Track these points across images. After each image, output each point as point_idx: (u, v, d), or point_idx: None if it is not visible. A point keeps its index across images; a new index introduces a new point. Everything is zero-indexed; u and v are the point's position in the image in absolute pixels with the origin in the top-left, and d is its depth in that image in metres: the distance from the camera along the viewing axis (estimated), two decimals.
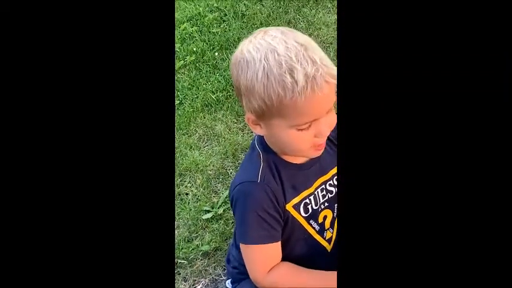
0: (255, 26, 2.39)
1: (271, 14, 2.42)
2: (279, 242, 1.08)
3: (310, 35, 2.25)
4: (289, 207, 1.08)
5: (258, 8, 2.47)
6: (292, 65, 0.89)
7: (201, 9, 2.53)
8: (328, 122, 0.97)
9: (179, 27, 2.47)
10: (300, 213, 1.10)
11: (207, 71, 2.24)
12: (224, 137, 1.95)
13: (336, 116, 1.00)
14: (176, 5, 2.60)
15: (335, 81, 0.92)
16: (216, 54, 2.29)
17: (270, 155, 1.07)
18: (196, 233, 1.69)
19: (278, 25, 2.36)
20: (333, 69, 0.92)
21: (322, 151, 1.04)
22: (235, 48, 2.32)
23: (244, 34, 2.36)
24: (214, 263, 1.60)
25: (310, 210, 1.11)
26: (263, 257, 1.08)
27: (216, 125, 2.01)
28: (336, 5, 2.40)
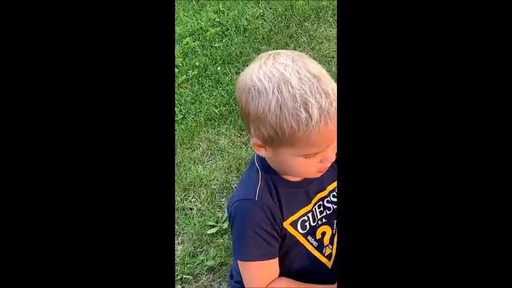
0: (257, 40, 2.40)
1: (273, 28, 2.44)
2: (276, 259, 1.09)
3: (312, 49, 2.27)
4: (286, 224, 1.09)
5: (260, 22, 2.49)
6: (307, 99, 0.89)
7: (202, 23, 2.54)
8: (334, 147, 0.98)
9: (181, 42, 2.48)
10: (298, 230, 1.10)
11: (209, 86, 2.25)
12: (228, 152, 1.96)
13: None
14: (178, 19, 2.62)
15: None
16: (219, 68, 2.30)
17: (269, 172, 1.07)
18: (201, 248, 1.69)
19: (280, 40, 2.37)
20: None
21: (320, 175, 1.04)
22: (238, 62, 2.34)
23: (246, 48, 2.37)
24: (219, 278, 1.60)
25: (308, 227, 1.11)
26: (260, 273, 1.09)
27: (219, 140, 2.01)
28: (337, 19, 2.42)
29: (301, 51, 2.28)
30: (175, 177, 1.89)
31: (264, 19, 2.51)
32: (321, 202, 1.12)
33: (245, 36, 2.44)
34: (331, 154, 0.98)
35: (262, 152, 1.01)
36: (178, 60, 2.38)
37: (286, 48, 2.33)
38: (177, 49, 2.45)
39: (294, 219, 1.09)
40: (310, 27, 2.41)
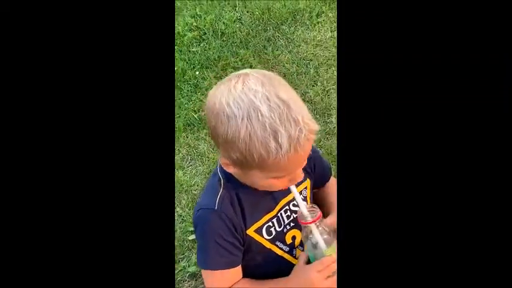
0: (235, 44, 2.40)
1: (250, 32, 2.44)
2: (239, 267, 1.09)
3: (289, 52, 2.28)
4: (250, 232, 1.09)
5: (237, 26, 2.49)
6: (277, 128, 0.88)
7: (180, 28, 2.53)
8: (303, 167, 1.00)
9: None
10: (263, 237, 1.11)
11: (188, 91, 2.24)
12: (208, 157, 1.95)
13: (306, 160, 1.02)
14: None
15: (315, 137, 0.93)
16: (197, 73, 2.30)
17: (231, 181, 1.07)
18: (183, 254, 1.68)
19: (257, 43, 2.38)
20: (314, 125, 0.92)
21: None
22: (216, 66, 2.33)
23: (224, 53, 2.37)
24: (201, 284, 1.59)
25: (274, 233, 1.12)
26: (222, 281, 1.09)
27: (199, 145, 2.01)
28: (314, 22, 2.43)
29: (279, 55, 2.29)
30: None
31: (242, 23, 2.51)
32: (287, 207, 1.13)
33: (223, 40, 2.44)
34: (299, 173, 1.00)
35: (231, 170, 1.01)
36: None
37: (264, 52, 2.34)
38: None
39: (259, 225, 1.10)
40: (287, 30, 2.42)
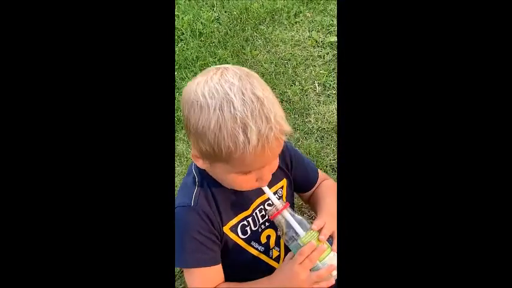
0: (213, 44, 2.40)
1: (229, 32, 2.44)
2: (219, 265, 1.09)
3: (268, 52, 2.28)
4: (226, 229, 1.10)
5: (215, 26, 2.48)
6: (247, 122, 0.88)
7: None
8: (271, 168, 1.00)
9: None
10: (238, 235, 1.11)
11: None
12: (186, 157, 1.94)
13: (278, 162, 1.02)
14: None
15: (285, 138, 0.94)
16: (175, 73, 2.28)
17: (205, 179, 1.08)
18: None
19: (236, 43, 2.37)
20: (286, 126, 0.93)
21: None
22: (194, 67, 2.32)
23: (202, 53, 2.36)
24: (180, 285, 1.58)
25: (249, 232, 1.12)
26: (203, 280, 1.08)
27: (177, 145, 1.99)
28: (292, 22, 2.43)
29: (257, 55, 2.28)
30: None
31: (220, 23, 2.50)
32: (261, 206, 1.13)
33: (201, 40, 2.43)
34: (267, 174, 1.00)
35: (200, 164, 1.02)
36: None
37: (242, 52, 2.33)
38: None
39: (233, 223, 1.10)
40: (265, 30, 2.42)
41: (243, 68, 0.98)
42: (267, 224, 1.14)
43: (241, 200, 1.10)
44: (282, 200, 1.14)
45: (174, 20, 2.53)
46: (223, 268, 1.11)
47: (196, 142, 0.96)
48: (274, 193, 1.11)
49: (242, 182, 1.01)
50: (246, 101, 0.89)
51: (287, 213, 1.05)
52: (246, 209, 1.11)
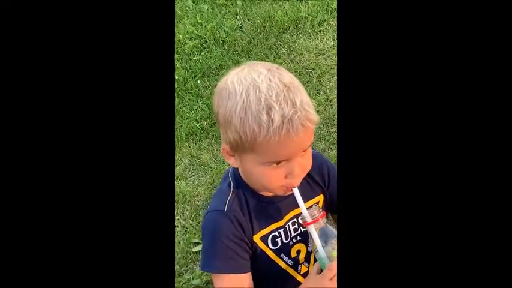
0: (236, 52, 2.39)
1: (252, 40, 2.43)
2: (249, 274, 1.07)
3: (291, 61, 2.27)
4: (256, 238, 1.08)
5: (239, 34, 2.48)
6: (271, 104, 0.88)
7: (180, 36, 2.52)
8: (301, 163, 0.97)
9: None
10: (268, 246, 1.09)
11: (189, 99, 2.23)
12: (210, 166, 1.93)
13: (310, 159, 1.00)
14: None
15: (312, 126, 0.92)
16: (199, 82, 2.28)
17: (241, 185, 1.07)
18: (187, 266, 1.66)
19: (259, 51, 2.36)
20: (312, 114, 0.92)
21: (289, 192, 1.02)
22: (218, 75, 2.31)
23: (226, 61, 2.35)
24: None
25: (280, 244, 1.10)
26: (232, 286, 1.06)
27: (201, 154, 1.99)
28: (316, 30, 2.42)
29: (281, 63, 2.27)
30: None
31: (243, 31, 2.50)
32: (295, 219, 1.11)
33: (224, 49, 2.43)
34: (297, 170, 0.96)
35: (232, 161, 1.01)
36: None
37: (265, 60, 2.33)
38: None
39: (264, 233, 1.09)
40: (289, 38, 2.41)
41: (275, 64, 0.99)
42: (298, 238, 1.12)
43: (274, 210, 1.09)
44: (318, 209, 1.12)
45: (174, 27, 2.53)
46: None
47: (225, 133, 0.96)
48: (309, 208, 1.09)
49: (271, 177, 0.98)
50: (271, 86, 0.90)
51: (321, 224, 1.03)
52: (279, 219, 1.10)
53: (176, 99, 2.23)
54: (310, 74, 2.22)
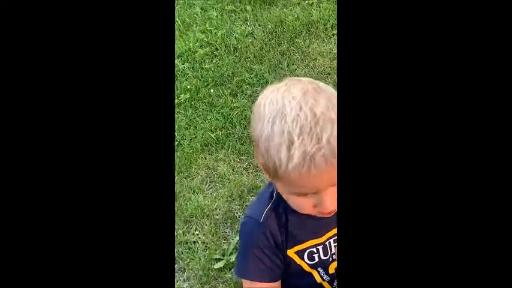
0: (249, 59, 2.34)
1: (264, 46, 2.38)
2: (275, 283, 1.07)
3: (306, 66, 2.22)
4: (291, 253, 1.05)
5: (250, 40, 2.43)
6: (293, 139, 0.82)
7: (191, 44, 2.47)
8: (332, 194, 0.91)
9: None
10: (304, 260, 1.07)
11: (203, 109, 2.17)
12: (228, 178, 1.88)
13: None
14: None
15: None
16: (212, 91, 2.23)
17: (282, 199, 1.02)
18: (209, 284, 1.60)
19: (272, 58, 2.31)
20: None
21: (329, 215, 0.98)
22: (231, 83, 2.26)
23: (238, 69, 2.30)
24: None
25: (317, 259, 1.07)
26: None
27: (218, 166, 1.93)
28: (329, 35, 2.36)
29: (295, 70, 2.22)
30: (175, 209, 1.81)
31: (254, 37, 2.45)
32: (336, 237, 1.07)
33: (236, 56, 2.37)
34: (327, 202, 0.91)
35: (267, 177, 0.97)
36: None
37: (279, 67, 2.27)
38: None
39: (300, 249, 1.05)
40: (302, 43, 2.35)
41: (320, 83, 0.92)
42: None
43: (316, 226, 1.04)
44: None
45: (174, 34, 2.48)
46: (283, 284, 1.09)
47: (256, 153, 0.93)
48: (329, 238, 1.05)
49: (300, 205, 0.95)
50: (299, 116, 0.83)
51: None
52: (319, 236, 1.05)
53: (189, 109, 2.18)
54: (326, 79, 2.16)
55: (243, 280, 1.09)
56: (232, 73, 2.29)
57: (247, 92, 2.21)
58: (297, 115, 0.83)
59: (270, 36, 2.42)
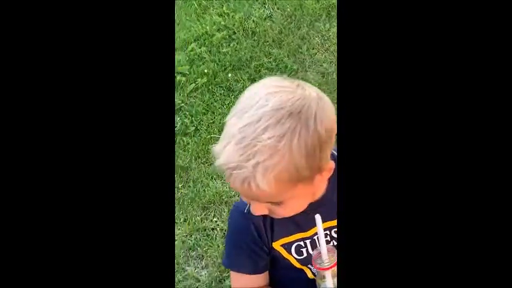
0: (267, 43, 2.29)
1: (283, 30, 2.32)
2: (262, 275, 1.06)
3: (326, 51, 2.17)
4: (276, 245, 1.03)
5: (268, 24, 2.37)
6: (230, 141, 0.82)
7: (207, 28, 2.42)
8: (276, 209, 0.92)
9: (186, 48, 2.36)
10: (292, 254, 1.04)
11: (221, 94, 2.13)
12: None
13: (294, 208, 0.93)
14: (180, 24, 2.49)
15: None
16: (230, 75, 2.18)
17: None
18: (227, 272, 1.57)
19: (291, 42, 2.26)
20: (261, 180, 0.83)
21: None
22: (249, 68, 2.22)
23: (256, 53, 2.25)
24: None
25: (306, 254, 1.04)
26: (238, 284, 1.08)
27: None
28: None
29: (315, 54, 2.17)
30: (193, 195, 1.78)
31: (273, 20, 2.39)
32: (327, 231, 1.03)
33: (254, 40, 2.32)
34: (289, 206, 0.91)
35: None
36: (184, 68, 2.26)
37: (298, 51, 2.22)
38: (183, 56, 2.33)
39: (287, 241, 1.03)
40: (322, 27, 2.30)
41: (326, 97, 0.87)
42: None
43: (302, 220, 1.01)
44: (333, 242, 1.04)
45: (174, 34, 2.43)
46: (272, 281, 1.08)
47: None
48: (327, 229, 1.01)
49: (253, 204, 0.95)
50: (250, 125, 0.82)
51: (329, 275, 0.96)
52: (305, 230, 1.02)
53: (207, 94, 2.14)
54: None
55: (231, 272, 1.09)
56: (250, 57, 2.24)
57: (266, 77, 2.15)
58: (250, 123, 0.82)
59: (289, 19, 2.37)
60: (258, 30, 2.35)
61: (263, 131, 0.81)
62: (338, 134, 0.72)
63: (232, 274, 1.09)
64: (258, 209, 0.92)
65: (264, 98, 0.85)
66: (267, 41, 2.30)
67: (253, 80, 2.16)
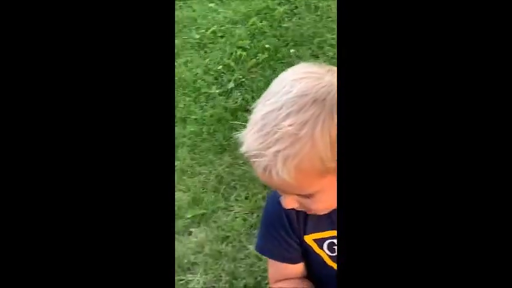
0: (330, 19, 2.23)
1: None
2: (298, 265, 1.05)
3: None
4: (308, 239, 1.02)
5: None
6: (252, 128, 0.82)
7: (269, 1, 2.38)
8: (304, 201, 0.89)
9: (247, 22, 2.33)
10: (324, 251, 1.02)
11: (282, 70, 2.09)
12: None
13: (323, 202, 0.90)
14: None
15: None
16: (292, 51, 2.15)
17: None
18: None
19: None
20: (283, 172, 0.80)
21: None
22: (312, 44, 2.17)
23: (319, 29, 2.21)
24: None
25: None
26: (271, 269, 1.10)
27: None
28: None
29: None
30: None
31: None
32: None
33: (317, 15, 2.28)
34: (304, 203, 0.89)
35: None
36: (245, 42, 2.24)
37: None
38: (243, 30, 2.30)
39: (319, 237, 1.01)
40: None
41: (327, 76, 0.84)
42: None
43: (335, 217, 0.98)
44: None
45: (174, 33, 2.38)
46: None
47: None
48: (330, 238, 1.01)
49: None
50: (272, 113, 0.81)
51: None
52: None
53: (268, 70, 2.11)
54: None
55: (268, 259, 1.09)
56: (313, 33, 2.20)
57: (329, 53, 2.12)
58: (272, 110, 0.81)
59: None
60: (321, 5, 2.31)
61: (284, 118, 0.79)
62: (338, 134, 0.71)
63: (268, 260, 1.09)
64: (288, 202, 0.90)
65: (289, 84, 0.83)
66: (330, 17, 2.25)
67: (316, 57, 2.12)
